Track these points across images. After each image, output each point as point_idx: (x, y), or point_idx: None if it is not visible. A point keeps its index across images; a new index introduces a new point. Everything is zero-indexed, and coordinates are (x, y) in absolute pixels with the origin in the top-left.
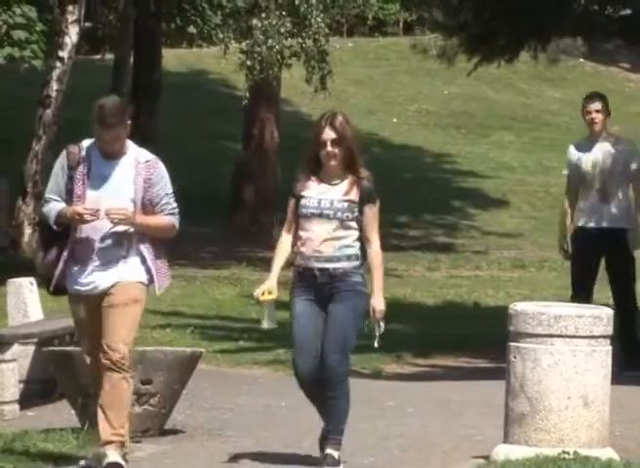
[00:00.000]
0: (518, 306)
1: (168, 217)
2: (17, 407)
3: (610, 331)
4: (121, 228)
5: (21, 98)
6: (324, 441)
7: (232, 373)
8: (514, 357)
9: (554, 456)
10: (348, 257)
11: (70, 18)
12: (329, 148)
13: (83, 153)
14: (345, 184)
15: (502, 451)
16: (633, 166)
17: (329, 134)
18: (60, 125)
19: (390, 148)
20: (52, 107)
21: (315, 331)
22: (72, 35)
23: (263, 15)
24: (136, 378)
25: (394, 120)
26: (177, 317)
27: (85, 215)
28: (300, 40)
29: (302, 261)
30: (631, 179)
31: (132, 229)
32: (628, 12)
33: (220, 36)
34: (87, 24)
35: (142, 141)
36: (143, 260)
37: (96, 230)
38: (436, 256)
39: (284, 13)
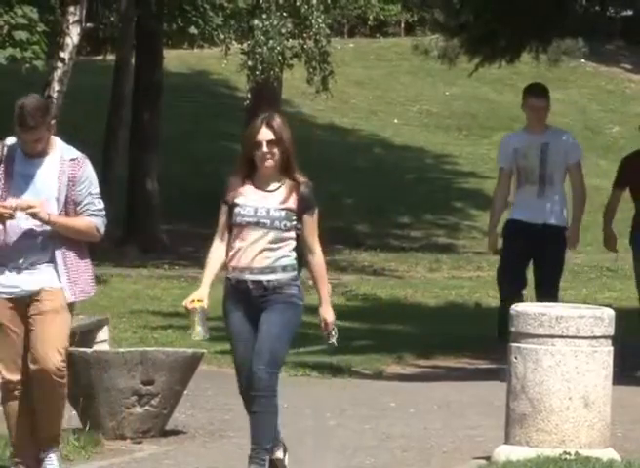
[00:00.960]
0: (519, 307)
1: (88, 219)
2: None
3: (611, 331)
4: (45, 229)
5: None
6: (249, 460)
7: (233, 374)
8: (515, 358)
9: (555, 457)
10: (284, 268)
11: (72, 18)
12: (265, 149)
13: (5, 151)
14: (283, 191)
15: (504, 452)
16: (572, 158)
17: (266, 134)
18: (61, 125)
19: (391, 149)
20: (53, 108)
21: (250, 344)
22: (74, 36)
23: (265, 15)
24: (137, 379)
25: (395, 121)
26: (178, 318)
27: (4, 214)
28: (301, 41)
29: (235, 273)
30: (571, 172)
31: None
32: (630, 12)
33: (222, 37)
34: (88, 25)
35: (144, 142)
36: (62, 265)
37: (20, 231)
38: (437, 257)
39: (285, 13)
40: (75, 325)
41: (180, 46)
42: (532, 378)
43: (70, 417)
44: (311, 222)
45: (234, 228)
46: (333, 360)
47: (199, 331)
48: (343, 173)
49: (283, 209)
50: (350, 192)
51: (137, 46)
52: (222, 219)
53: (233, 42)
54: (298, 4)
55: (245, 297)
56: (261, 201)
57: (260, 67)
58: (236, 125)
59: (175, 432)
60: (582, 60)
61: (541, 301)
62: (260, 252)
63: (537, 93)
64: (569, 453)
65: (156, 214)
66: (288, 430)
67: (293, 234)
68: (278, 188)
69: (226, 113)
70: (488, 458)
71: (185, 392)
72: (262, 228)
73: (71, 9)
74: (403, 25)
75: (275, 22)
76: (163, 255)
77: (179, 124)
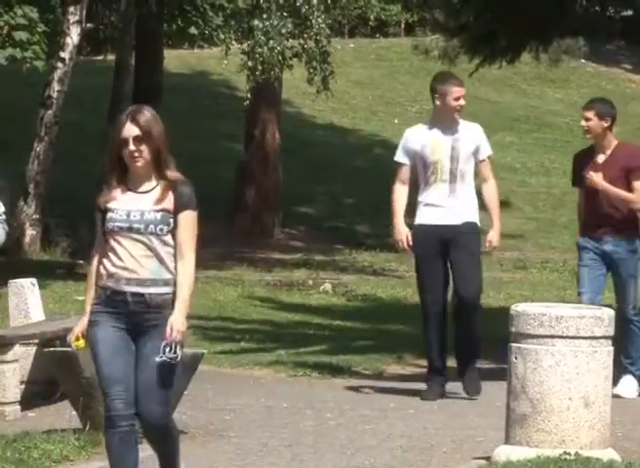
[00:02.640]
0: (519, 307)
1: None
2: (18, 407)
3: (611, 331)
4: None
5: (23, 99)
6: None
7: (234, 374)
8: (515, 358)
9: (555, 457)
10: (166, 282)
11: (72, 18)
12: (131, 147)
13: None
14: (157, 191)
15: (504, 452)
16: (483, 153)
17: (131, 130)
18: (62, 126)
19: (392, 149)
20: (53, 108)
21: (126, 362)
22: (74, 36)
23: (265, 16)
24: None
25: (395, 121)
26: None
27: None
28: (301, 41)
29: (111, 283)
30: (481, 168)
31: None
32: (630, 12)
33: (222, 37)
34: (88, 25)
35: None
36: None
37: None
38: None
39: (285, 14)
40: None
41: (180, 46)
42: (532, 378)
43: (70, 417)
44: (185, 223)
45: (107, 236)
46: (333, 360)
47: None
48: (343, 173)
49: (158, 210)
50: (350, 192)
51: (137, 46)
52: (98, 228)
53: (233, 42)
54: (298, 4)
55: (121, 311)
56: (134, 203)
57: (261, 67)
58: (236, 125)
59: None
60: (583, 61)
61: (463, 310)
62: (137, 260)
63: (453, 81)
64: (569, 454)
65: None
66: (288, 430)
67: (173, 240)
68: (153, 188)
69: (227, 113)
70: (488, 458)
71: (186, 392)
72: (137, 234)
73: (71, 9)
74: (403, 26)
75: (275, 23)
76: None
77: (179, 124)
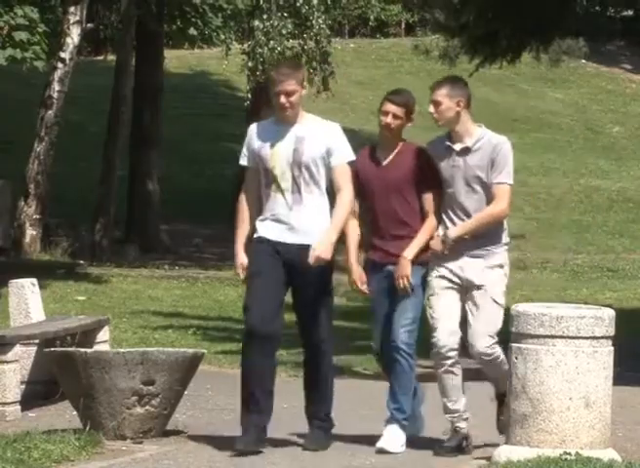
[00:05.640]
0: (520, 307)
1: None
2: (18, 408)
3: (612, 331)
4: None
5: (23, 100)
6: None
7: (234, 374)
8: (516, 358)
9: (556, 457)
10: None
11: (72, 18)
12: None
13: None
14: None
15: (504, 452)
16: (336, 158)
17: None
18: (62, 126)
19: None
20: (53, 108)
21: None
22: (74, 36)
23: (265, 16)
24: (137, 379)
25: None
26: (178, 318)
27: None
28: (301, 41)
29: None
30: (334, 176)
31: None
32: (630, 12)
33: (222, 37)
34: (89, 25)
35: (144, 142)
36: None
37: None
38: None
39: (285, 14)
40: (75, 325)
41: (180, 46)
42: (532, 378)
43: (70, 417)
44: None
45: None
46: (333, 360)
47: None
48: None
49: None
50: None
51: (137, 46)
52: None
53: (234, 43)
54: (298, 5)
55: None
56: None
57: (261, 68)
58: (237, 125)
59: (175, 432)
60: (583, 61)
61: (308, 350)
62: None
63: (287, 73)
64: (569, 454)
65: (156, 215)
66: (288, 430)
67: None
68: None
69: (227, 113)
70: (488, 458)
71: (186, 392)
72: None
73: (72, 9)
74: (403, 26)
75: (276, 23)
76: (163, 255)
77: (179, 124)
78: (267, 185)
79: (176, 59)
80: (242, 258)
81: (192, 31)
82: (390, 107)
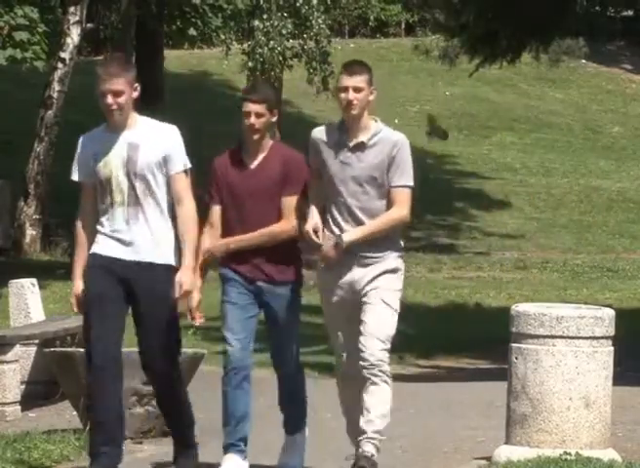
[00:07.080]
0: (520, 307)
1: None
2: (18, 408)
3: (612, 331)
4: None
5: (23, 100)
6: None
7: None
8: (516, 358)
9: (556, 457)
10: None
11: (72, 19)
12: None
13: None
14: None
15: (504, 453)
16: (173, 166)
17: None
18: (62, 126)
19: None
20: (53, 108)
21: None
22: (74, 36)
23: (265, 16)
24: (137, 379)
25: (396, 121)
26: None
27: None
28: (301, 41)
29: None
30: (172, 184)
31: None
32: (630, 12)
33: (222, 37)
34: (89, 25)
35: None
36: None
37: None
38: (438, 257)
39: (285, 14)
40: (75, 325)
41: (180, 46)
42: (532, 379)
43: (70, 417)
44: None
45: None
46: (333, 360)
47: None
48: None
49: None
50: None
51: (137, 46)
52: None
53: (234, 43)
54: (298, 5)
55: None
56: None
57: (261, 68)
58: (237, 126)
59: None
60: (583, 61)
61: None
62: None
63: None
64: (569, 454)
65: None
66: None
67: None
68: None
69: (227, 114)
70: (488, 459)
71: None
72: None
73: (72, 9)
74: (403, 26)
75: (276, 23)
76: None
77: (179, 124)
78: (102, 199)
79: (176, 59)
80: (77, 289)
81: (192, 31)
82: (251, 107)
